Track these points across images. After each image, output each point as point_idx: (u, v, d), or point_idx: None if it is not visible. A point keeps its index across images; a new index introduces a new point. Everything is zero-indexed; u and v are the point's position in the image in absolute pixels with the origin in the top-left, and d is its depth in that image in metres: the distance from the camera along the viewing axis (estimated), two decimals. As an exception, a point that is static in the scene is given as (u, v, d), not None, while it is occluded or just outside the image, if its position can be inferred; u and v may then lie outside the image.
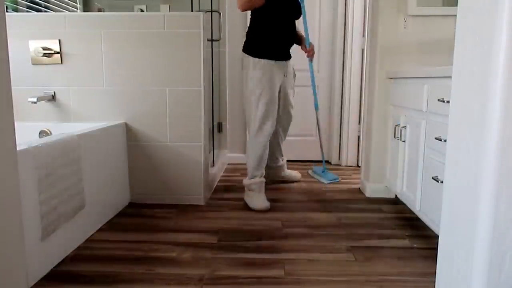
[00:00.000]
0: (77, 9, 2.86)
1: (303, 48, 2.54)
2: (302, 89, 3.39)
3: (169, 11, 2.75)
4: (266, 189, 2.34)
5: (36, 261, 1.38)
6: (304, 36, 2.52)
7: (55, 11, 2.64)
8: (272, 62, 2.21)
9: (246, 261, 1.54)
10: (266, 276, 1.42)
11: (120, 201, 2.12)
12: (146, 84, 2.16)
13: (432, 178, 1.61)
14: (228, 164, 3.35)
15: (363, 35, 3.12)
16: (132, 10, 2.79)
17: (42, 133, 2.13)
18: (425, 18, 2.27)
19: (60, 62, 2.14)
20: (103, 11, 2.87)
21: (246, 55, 2.25)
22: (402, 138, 2.02)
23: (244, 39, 2.35)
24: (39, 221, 1.37)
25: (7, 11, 2.24)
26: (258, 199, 2.25)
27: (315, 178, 2.89)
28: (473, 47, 0.73)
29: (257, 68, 2.18)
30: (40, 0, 2.52)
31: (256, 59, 2.19)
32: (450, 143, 0.81)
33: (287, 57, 2.37)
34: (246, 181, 2.33)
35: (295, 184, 2.71)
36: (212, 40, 2.74)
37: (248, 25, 2.36)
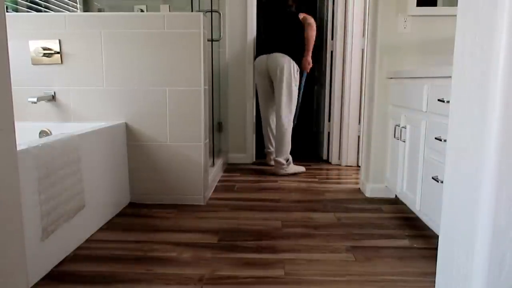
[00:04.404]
0: (77, 9, 2.86)
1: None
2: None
3: (169, 11, 2.75)
4: (266, 188, 2.34)
5: (36, 261, 1.38)
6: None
7: (55, 11, 2.64)
8: None
9: (246, 261, 1.54)
10: (266, 276, 1.42)
11: (120, 201, 2.12)
12: (146, 84, 2.16)
13: (432, 178, 1.61)
14: (228, 164, 3.35)
15: (363, 35, 3.12)
16: (132, 10, 2.79)
17: (42, 133, 2.13)
18: (425, 18, 2.27)
19: (60, 62, 2.14)
20: (103, 11, 2.87)
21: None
22: (402, 138, 2.02)
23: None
24: (39, 221, 1.37)
25: (7, 11, 2.24)
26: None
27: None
28: (473, 47, 0.73)
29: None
30: (40, 0, 2.52)
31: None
32: (450, 143, 0.81)
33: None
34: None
35: (295, 184, 2.71)
36: (212, 40, 2.74)
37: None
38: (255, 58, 3.15)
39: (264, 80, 3.08)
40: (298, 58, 2.97)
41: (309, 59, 3.04)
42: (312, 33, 2.95)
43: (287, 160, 2.98)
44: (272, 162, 3.17)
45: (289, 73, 2.91)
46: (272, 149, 3.26)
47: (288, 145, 2.98)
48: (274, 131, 3.18)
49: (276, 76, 2.94)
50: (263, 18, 3.19)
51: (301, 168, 3.06)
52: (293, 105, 2.99)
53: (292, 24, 2.97)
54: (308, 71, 3.12)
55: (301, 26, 2.96)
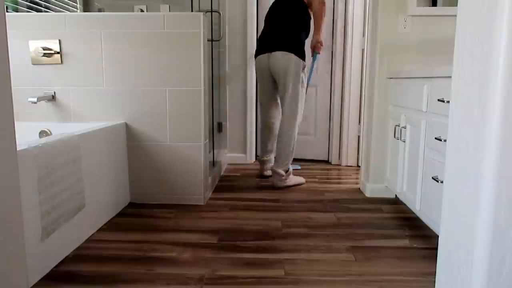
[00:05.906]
0: (77, 9, 2.86)
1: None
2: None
3: (169, 11, 2.75)
4: (267, 188, 2.33)
5: (36, 261, 1.38)
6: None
7: (55, 11, 2.64)
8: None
9: (246, 261, 1.54)
10: (266, 276, 1.42)
11: (120, 201, 2.12)
12: (146, 84, 2.16)
13: (432, 178, 1.61)
14: (228, 164, 3.35)
15: (363, 35, 3.12)
16: (132, 10, 2.79)
17: (42, 133, 2.13)
18: (425, 18, 2.27)
19: (60, 62, 2.14)
20: (103, 11, 2.87)
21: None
22: (402, 138, 2.02)
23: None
24: (39, 221, 1.37)
25: (7, 11, 2.24)
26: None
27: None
28: (473, 47, 0.73)
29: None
30: (40, 0, 2.52)
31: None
32: (450, 143, 0.81)
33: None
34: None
35: (295, 184, 2.71)
36: (212, 40, 2.74)
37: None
38: (255, 55, 2.78)
39: (266, 81, 2.73)
40: (304, 51, 2.62)
41: (319, 38, 2.72)
42: (319, 6, 2.61)
43: (287, 171, 2.64)
44: (268, 172, 2.85)
45: (295, 74, 2.56)
46: (268, 157, 2.90)
47: (291, 156, 2.65)
48: (276, 136, 2.82)
49: (280, 78, 2.60)
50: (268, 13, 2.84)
51: (301, 179, 2.75)
52: (300, 109, 2.64)
53: (294, 6, 2.65)
54: (320, 52, 2.81)
55: (305, 6, 2.64)
